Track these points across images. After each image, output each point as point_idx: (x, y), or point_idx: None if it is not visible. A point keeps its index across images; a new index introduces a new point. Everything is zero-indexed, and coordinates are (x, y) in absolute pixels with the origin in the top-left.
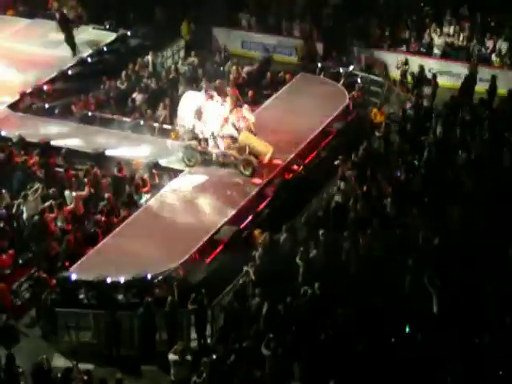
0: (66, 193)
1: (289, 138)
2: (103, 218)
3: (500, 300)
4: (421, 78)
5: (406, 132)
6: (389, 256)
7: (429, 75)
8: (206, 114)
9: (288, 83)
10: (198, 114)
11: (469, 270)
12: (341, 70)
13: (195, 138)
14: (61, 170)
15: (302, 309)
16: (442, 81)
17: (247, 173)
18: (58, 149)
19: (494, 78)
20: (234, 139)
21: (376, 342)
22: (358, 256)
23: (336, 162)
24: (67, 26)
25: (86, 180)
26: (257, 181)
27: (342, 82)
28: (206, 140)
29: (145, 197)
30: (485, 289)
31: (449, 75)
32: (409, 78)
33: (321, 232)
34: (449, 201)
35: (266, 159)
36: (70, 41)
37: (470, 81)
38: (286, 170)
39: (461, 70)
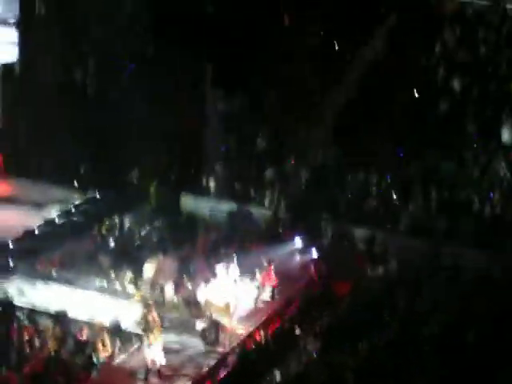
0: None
1: (252, 306)
2: (62, 380)
3: None
4: (384, 252)
5: (370, 305)
6: None
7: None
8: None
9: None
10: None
11: None
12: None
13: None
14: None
15: None
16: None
17: (208, 340)
18: (20, 307)
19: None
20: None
21: None
22: None
23: (298, 333)
24: None
25: (46, 340)
26: (218, 349)
27: None
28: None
29: (105, 359)
30: None
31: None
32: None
33: None
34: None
35: (228, 326)
36: None
37: (434, 260)
38: (249, 339)
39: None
